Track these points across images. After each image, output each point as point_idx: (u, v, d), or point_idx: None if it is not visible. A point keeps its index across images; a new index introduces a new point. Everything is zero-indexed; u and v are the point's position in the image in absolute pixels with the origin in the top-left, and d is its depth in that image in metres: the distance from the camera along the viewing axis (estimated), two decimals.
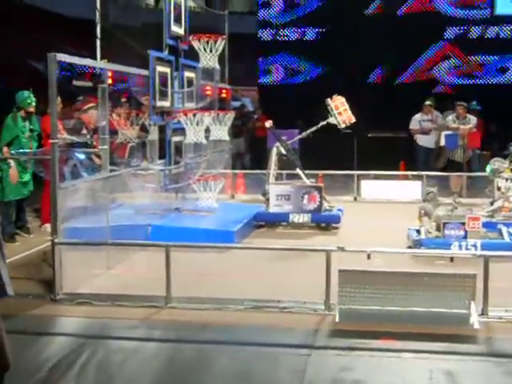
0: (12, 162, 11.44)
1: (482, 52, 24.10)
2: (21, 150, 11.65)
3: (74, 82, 20.24)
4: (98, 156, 10.82)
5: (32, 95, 11.70)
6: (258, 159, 21.29)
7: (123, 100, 14.95)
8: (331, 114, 13.18)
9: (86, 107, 13.23)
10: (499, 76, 24.19)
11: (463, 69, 24.45)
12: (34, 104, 11.72)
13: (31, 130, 11.92)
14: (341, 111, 13.16)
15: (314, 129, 13.48)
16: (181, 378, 6.12)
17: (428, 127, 18.17)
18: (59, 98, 11.54)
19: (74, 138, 13.05)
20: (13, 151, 11.51)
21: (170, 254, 7.98)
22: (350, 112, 13.26)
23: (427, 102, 18.43)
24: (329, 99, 13.20)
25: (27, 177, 11.81)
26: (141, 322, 7.50)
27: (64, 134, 12.60)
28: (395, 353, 6.54)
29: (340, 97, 13.28)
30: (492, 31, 24.10)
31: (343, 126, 13.39)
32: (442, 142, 16.74)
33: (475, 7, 24.06)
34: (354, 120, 13.33)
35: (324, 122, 13.30)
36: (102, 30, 9.91)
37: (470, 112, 17.36)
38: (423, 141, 18.28)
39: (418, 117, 18.35)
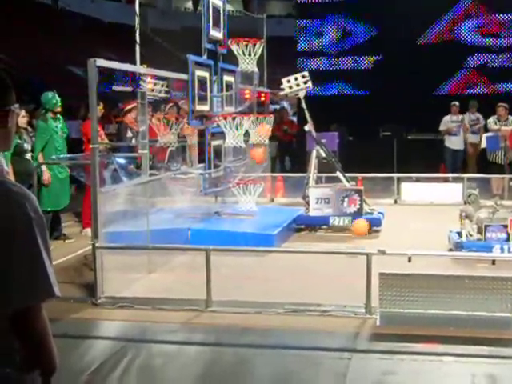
0: (44, 167, 11.51)
1: None
2: (62, 156, 11.75)
3: (114, 87, 20.38)
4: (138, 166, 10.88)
5: (56, 95, 11.78)
6: (284, 163, 21.33)
7: (169, 105, 14.99)
8: (299, 92, 13.19)
9: (128, 107, 13.31)
10: None
11: None
12: (59, 104, 11.79)
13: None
14: (299, 83, 13.06)
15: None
16: (221, 382, 6.13)
17: (452, 127, 18.16)
18: (100, 103, 11.69)
19: (114, 144, 13.17)
20: (53, 156, 11.61)
21: (210, 258, 7.99)
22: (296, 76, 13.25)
23: (454, 102, 18.51)
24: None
25: (66, 173, 11.87)
26: (181, 325, 7.52)
27: (105, 139, 12.72)
28: (437, 356, 6.48)
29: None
30: None
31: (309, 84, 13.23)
32: (484, 144, 16.58)
33: None
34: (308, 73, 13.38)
35: (303, 104, 13.30)
36: (141, 34, 9.94)
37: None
38: (450, 142, 18.35)
39: (447, 118, 18.48)
